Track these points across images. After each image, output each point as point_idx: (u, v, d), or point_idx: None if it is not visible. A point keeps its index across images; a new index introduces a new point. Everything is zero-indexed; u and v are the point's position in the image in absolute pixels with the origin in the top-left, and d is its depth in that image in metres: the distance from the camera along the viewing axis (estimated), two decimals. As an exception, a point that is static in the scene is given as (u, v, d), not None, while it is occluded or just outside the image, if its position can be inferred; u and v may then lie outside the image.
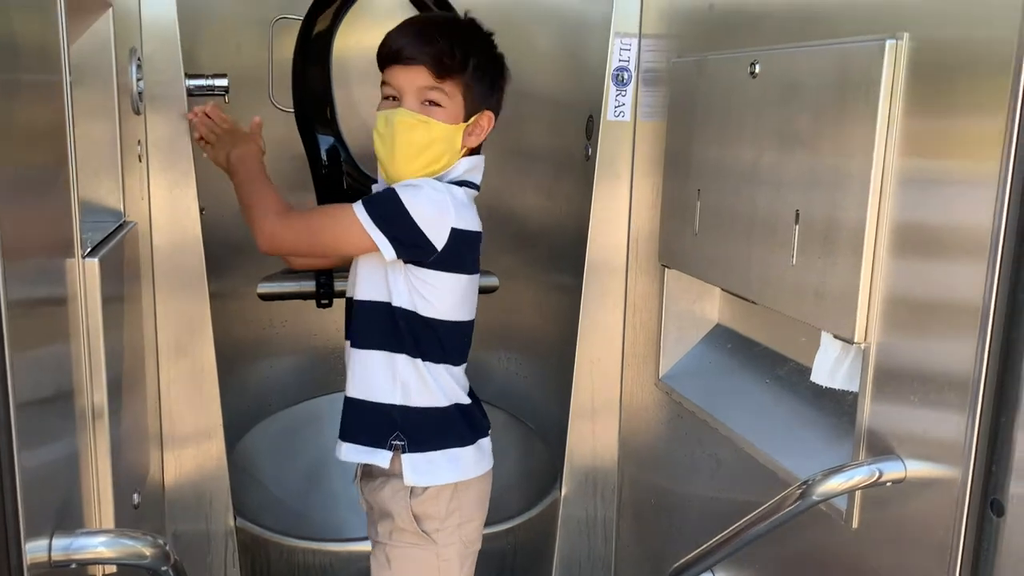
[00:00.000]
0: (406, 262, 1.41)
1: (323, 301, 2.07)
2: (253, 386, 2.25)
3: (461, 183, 1.47)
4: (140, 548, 0.94)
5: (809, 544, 1.33)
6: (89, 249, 1.03)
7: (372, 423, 1.48)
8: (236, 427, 2.12)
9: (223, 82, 1.75)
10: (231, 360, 2.00)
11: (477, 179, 1.51)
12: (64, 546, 0.86)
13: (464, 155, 1.48)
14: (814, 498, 1.16)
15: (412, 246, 1.39)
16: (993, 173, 0.96)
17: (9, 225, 0.84)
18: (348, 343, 1.51)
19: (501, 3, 2.11)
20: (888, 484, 1.13)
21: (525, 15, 2.13)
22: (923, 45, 1.08)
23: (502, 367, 2.37)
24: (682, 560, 1.47)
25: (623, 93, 1.89)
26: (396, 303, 1.44)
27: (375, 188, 1.56)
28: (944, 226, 1.04)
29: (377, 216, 1.37)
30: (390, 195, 1.40)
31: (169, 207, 1.68)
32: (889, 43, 1.11)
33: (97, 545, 0.90)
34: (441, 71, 1.40)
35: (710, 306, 1.81)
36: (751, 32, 1.47)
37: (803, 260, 1.28)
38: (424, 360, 1.46)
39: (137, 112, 1.55)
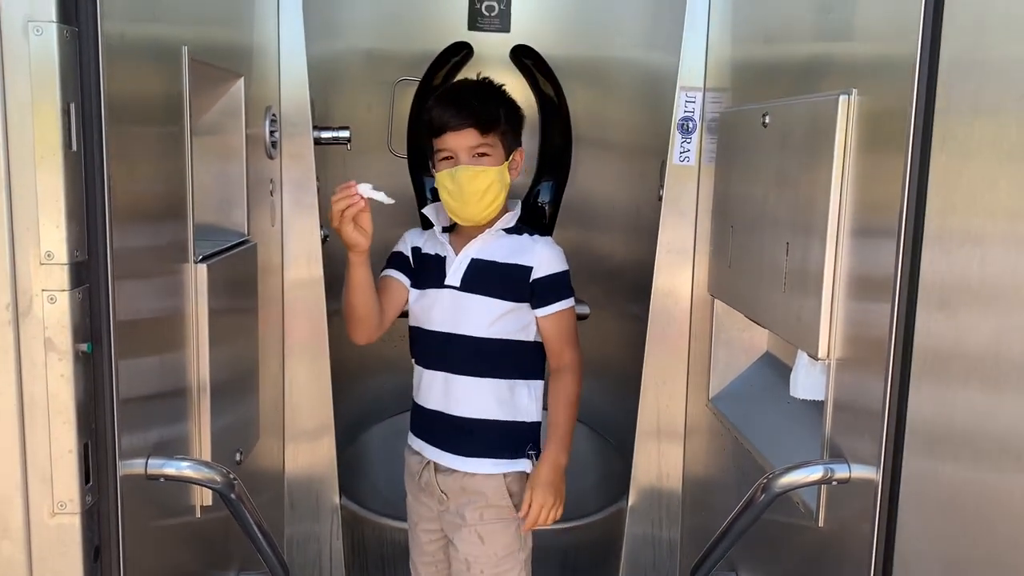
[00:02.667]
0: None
1: None
2: (371, 393, 2.60)
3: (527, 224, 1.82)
4: (214, 475, 1.27)
5: (788, 542, 1.48)
6: (200, 257, 1.39)
7: (511, 439, 1.78)
8: (354, 428, 2.48)
9: (346, 133, 2.14)
10: (352, 370, 2.35)
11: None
12: (159, 464, 1.21)
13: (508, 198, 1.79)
14: (775, 491, 1.33)
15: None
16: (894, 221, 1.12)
17: (144, 235, 1.21)
18: (472, 377, 1.76)
19: (590, 60, 2.39)
20: (835, 483, 1.28)
21: (610, 71, 2.39)
22: (867, 100, 1.25)
23: (587, 387, 2.60)
24: (695, 561, 1.66)
25: (688, 140, 2.10)
26: (531, 339, 1.79)
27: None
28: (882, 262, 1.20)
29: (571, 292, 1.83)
30: (565, 275, 1.80)
31: (296, 234, 2.07)
32: (843, 98, 1.28)
33: (184, 468, 1.23)
34: (485, 129, 1.70)
35: (759, 335, 1.97)
36: (769, 85, 1.67)
37: (789, 287, 1.45)
38: (535, 380, 1.81)
39: (271, 157, 1.95)
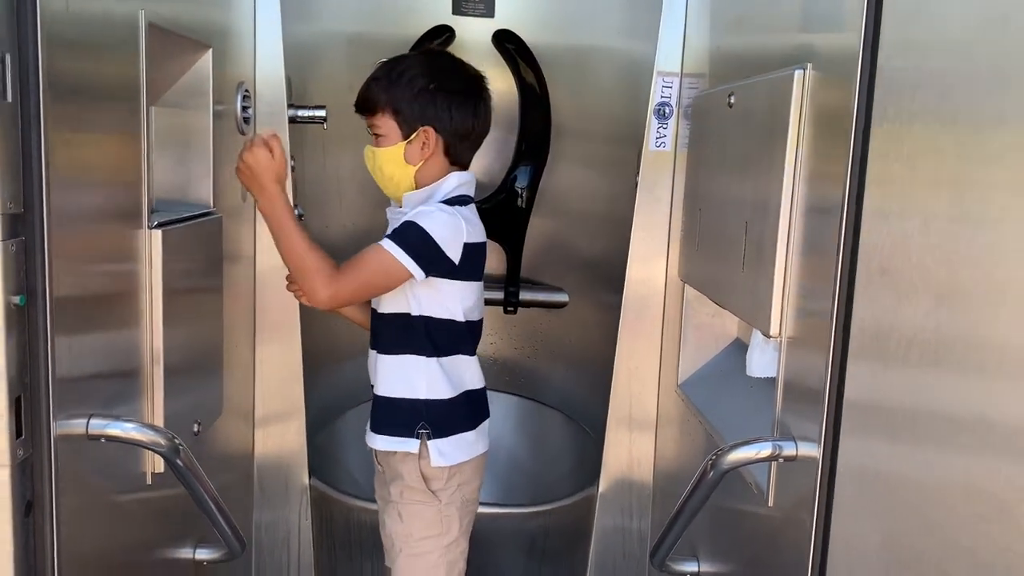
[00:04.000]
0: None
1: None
2: (344, 380, 2.59)
3: (460, 198, 1.71)
4: (159, 439, 1.27)
5: (742, 524, 1.47)
6: (156, 224, 1.39)
7: (402, 417, 1.73)
8: (326, 413, 2.47)
9: (322, 112, 2.13)
10: (325, 358, 2.35)
11: (471, 192, 1.75)
12: (101, 424, 1.20)
13: (453, 170, 1.73)
14: (723, 467, 1.32)
15: (435, 264, 1.64)
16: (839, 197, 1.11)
17: (90, 195, 1.21)
18: (374, 351, 1.76)
19: (571, 47, 2.39)
20: (782, 460, 1.27)
21: (590, 59, 2.39)
22: (820, 74, 1.24)
23: (562, 375, 2.59)
24: (653, 544, 1.65)
25: (664, 126, 2.09)
26: (415, 312, 1.69)
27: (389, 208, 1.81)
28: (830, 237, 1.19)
29: (407, 246, 1.61)
30: (411, 226, 1.63)
31: (268, 212, 2.06)
32: (797, 72, 1.27)
33: (129, 429, 1.23)
34: (369, 112, 1.72)
35: (729, 321, 1.96)
36: (739, 69, 1.66)
37: (747, 267, 1.44)
38: (440, 357, 1.71)
39: (242, 133, 1.94)
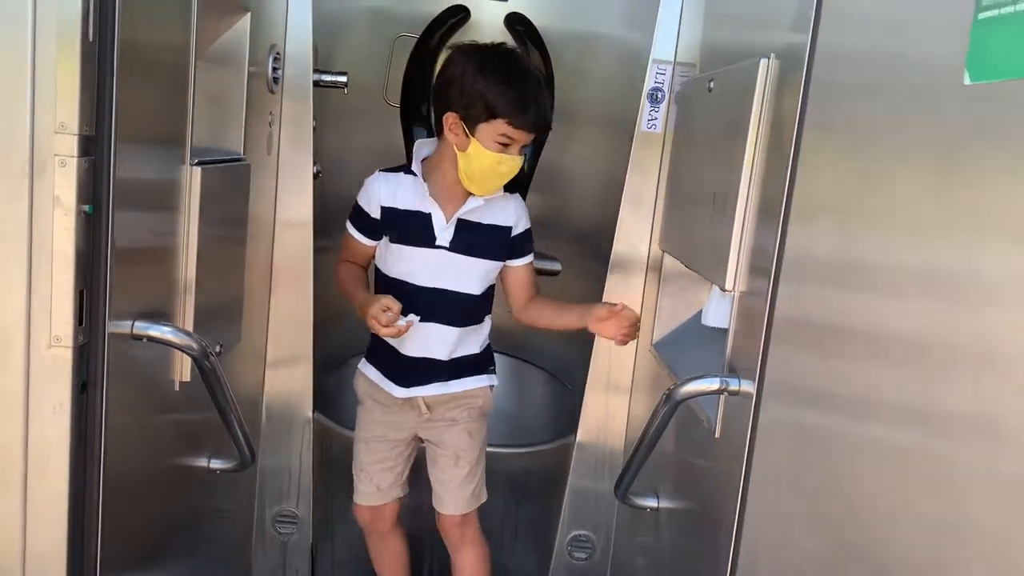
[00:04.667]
0: None
1: None
2: (351, 331, 2.79)
3: None
4: (192, 343, 1.47)
5: (692, 451, 1.67)
6: (196, 161, 1.59)
7: (483, 361, 2.12)
8: (332, 360, 2.67)
9: (344, 78, 2.33)
10: (334, 310, 2.54)
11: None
12: (144, 327, 1.41)
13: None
14: (676, 398, 1.52)
15: None
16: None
17: (147, 127, 1.41)
18: (449, 327, 2.01)
19: (577, 33, 2.58)
20: (727, 394, 1.47)
21: (594, 45, 2.58)
22: (782, 64, 1.43)
23: (550, 338, 2.79)
24: (617, 478, 1.85)
25: (656, 108, 2.28)
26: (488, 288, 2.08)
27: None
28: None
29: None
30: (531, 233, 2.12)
31: (289, 164, 2.26)
32: (763, 61, 1.47)
33: (167, 332, 1.43)
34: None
35: (703, 289, 2.15)
36: (722, 57, 1.85)
37: (711, 232, 1.64)
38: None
39: (272, 91, 2.14)
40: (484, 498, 2.14)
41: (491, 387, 2.13)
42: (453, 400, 2.06)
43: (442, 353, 2.02)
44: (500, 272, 2.09)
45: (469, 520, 2.11)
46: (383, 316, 1.86)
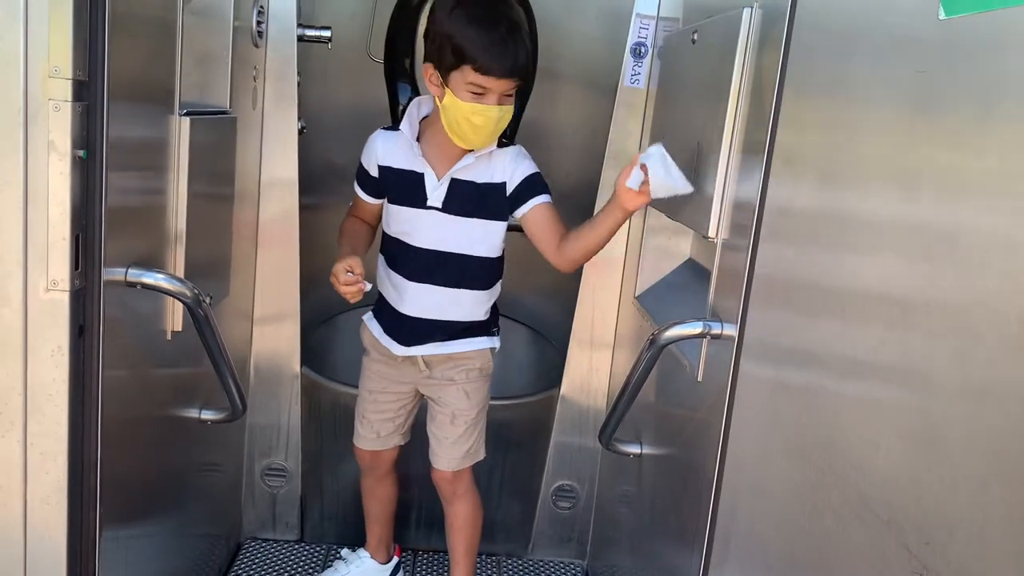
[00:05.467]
0: None
1: None
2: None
3: None
4: (185, 290, 1.49)
5: (675, 397, 1.72)
6: (185, 112, 1.60)
7: (481, 326, 2.08)
8: (319, 317, 2.70)
9: (327, 33, 2.33)
10: (321, 267, 2.55)
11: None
12: (138, 274, 1.42)
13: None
14: (660, 343, 1.56)
15: None
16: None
17: (137, 75, 1.41)
18: (444, 288, 1.99)
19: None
20: (710, 338, 1.52)
21: (576, 3, 2.59)
22: (765, 13, 1.46)
23: (534, 296, 2.83)
24: (603, 422, 1.90)
25: (639, 64, 2.30)
26: (499, 254, 2.04)
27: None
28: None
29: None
30: (541, 176, 2.01)
31: (274, 121, 2.27)
32: (746, 10, 1.49)
33: (160, 279, 1.45)
34: (524, 78, 1.89)
35: (684, 242, 2.19)
36: (704, 11, 1.87)
37: (696, 181, 1.67)
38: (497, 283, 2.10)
39: (256, 46, 2.14)
40: (481, 456, 2.15)
41: (492, 349, 2.11)
42: (451, 360, 2.06)
43: (440, 314, 2.01)
44: (524, 227, 1.99)
45: (461, 476, 2.13)
46: (343, 275, 1.85)
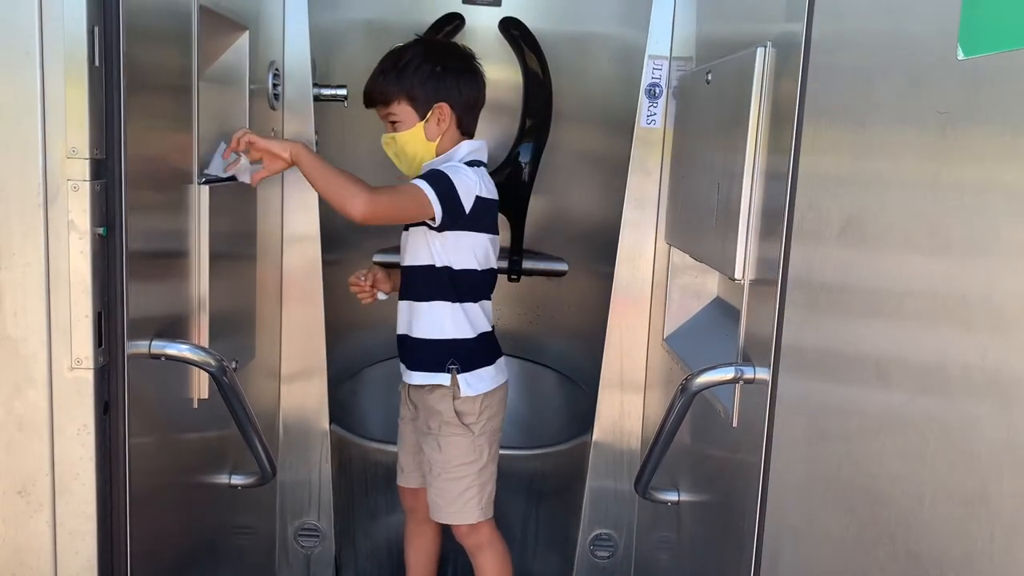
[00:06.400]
0: (440, 230, 1.90)
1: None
2: (365, 339, 2.81)
3: (472, 163, 1.95)
4: (209, 359, 1.48)
5: (710, 442, 1.68)
6: (204, 180, 1.61)
7: (435, 355, 1.99)
8: (345, 373, 2.69)
9: (343, 91, 2.35)
10: (345, 323, 2.56)
11: (483, 158, 2.00)
12: (162, 345, 1.42)
13: (463, 139, 1.98)
14: (692, 389, 1.53)
15: (453, 212, 1.87)
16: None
17: (154, 149, 1.42)
18: (407, 300, 2.01)
19: (572, 33, 2.60)
20: (743, 383, 1.48)
21: (589, 45, 2.60)
22: (779, 53, 1.45)
23: (560, 338, 2.81)
24: (638, 471, 1.86)
25: (654, 104, 2.29)
26: (438, 264, 1.95)
27: None
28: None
29: (437, 189, 1.86)
30: (440, 174, 1.89)
31: (294, 181, 2.27)
32: (759, 51, 1.48)
33: (184, 350, 1.45)
34: (380, 103, 1.95)
35: (711, 281, 2.16)
36: (718, 50, 1.86)
37: (718, 223, 1.65)
38: (462, 303, 1.97)
39: (272, 108, 2.16)
40: (476, 518, 2.03)
41: (455, 395, 1.97)
42: (419, 396, 2.03)
43: (403, 327, 2.03)
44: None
45: (475, 529, 2.05)
46: (357, 277, 2.05)
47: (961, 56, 0.83)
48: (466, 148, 1.97)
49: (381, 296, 2.06)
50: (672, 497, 1.96)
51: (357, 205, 1.79)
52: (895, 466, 0.94)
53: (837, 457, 1.11)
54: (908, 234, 0.98)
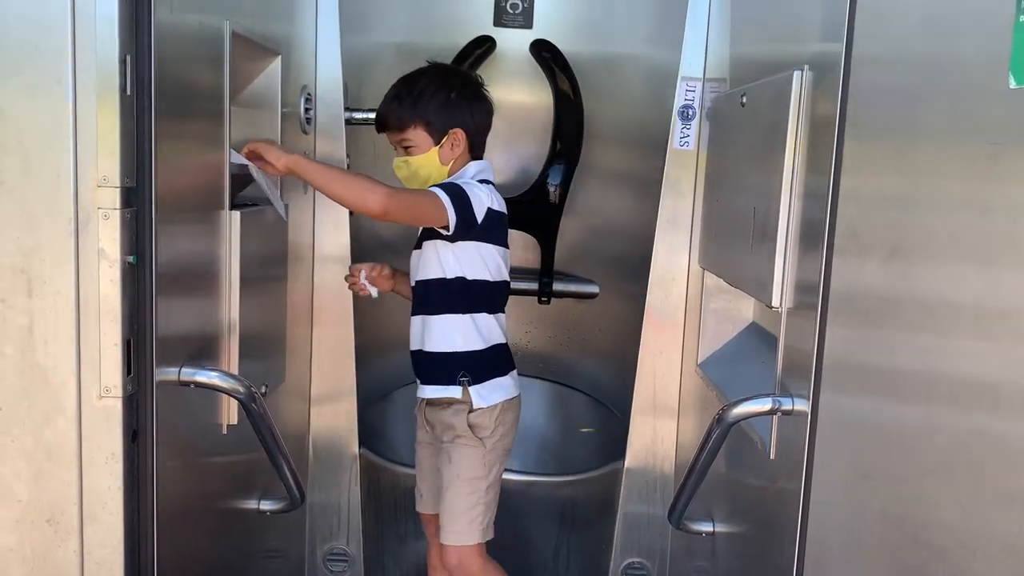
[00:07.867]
0: (453, 240, 1.90)
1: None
2: (392, 365, 2.79)
3: (481, 182, 1.96)
4: (238, 386, 1.47)
5: (747, 474, 1.63)
6: (231, 206, 1.61)
7: (446, 368, 1.98)
8: (374, 395, 2.68)
9: (374, 115, 2.34)
10: (374, 346, 2.55)
11: (489, 177, 2.01)
12: (191, 373, 1.41)
13: (471, 160, 1.99)
14: (728, 420, 1.49)
15: (466, 221, 1.88)
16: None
17: (185, 176, 1.42)
18: (419, 315, 1.99)
19: (603, 55, 2.58)
20: (780, 414, 1.44)
21: (621, 66, 2.58)
22: (816, 76, 1.41)
23: (592, 362, 2.77)
24: (670, 503, 1.82)
25: (687, 126, 2.27)
26: (450, 275, 1.94)
27: None
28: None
29: (452, 197, 1.87)
30: (455, 185, 1.91)
31: (326, 204, 2.28)
32: (796, 73, 1.45)
33: (213, 377, 1.44)
34: (395, 128, 1.95)
35: (745, 306, 2.12)
36: (752, 71, 1.83)
37: (754, 248, 1.61)
38: (473, 314, 1.95)
39: (304, 132, 2.16)
40: (478, 539, 1.98)
41: (469, 408, 1.96)
42: (435, 414, 2.02)
43: (416, 343, 2.02)
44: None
45: (464, 559, 1.98)
46: (355, 269, 2.07)
47: (1013, 85, 0.79)
48: (474, 168, 1.99)
49: (374, 293, 2.06)
50: (707, 528, 1.91)
51: (378, 198, 1.79)
52: (947, 513, 0.90)
53: (882, 498, 1.07)
54: (958, 259, 0.94)
